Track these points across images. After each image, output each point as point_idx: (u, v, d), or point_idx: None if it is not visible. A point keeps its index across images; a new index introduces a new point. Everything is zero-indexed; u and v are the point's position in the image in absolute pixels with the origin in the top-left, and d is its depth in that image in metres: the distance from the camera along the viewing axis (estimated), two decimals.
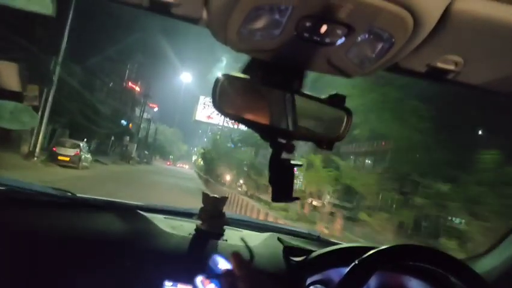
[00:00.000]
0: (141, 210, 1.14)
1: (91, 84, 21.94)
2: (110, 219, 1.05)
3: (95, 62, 21.68)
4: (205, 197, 1.08)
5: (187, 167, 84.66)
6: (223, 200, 1.09)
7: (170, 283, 0.88)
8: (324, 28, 0.52)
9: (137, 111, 43.20)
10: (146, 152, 49.49)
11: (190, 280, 0.88)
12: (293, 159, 0.73)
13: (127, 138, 34.83)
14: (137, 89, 38.85)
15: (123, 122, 33.76)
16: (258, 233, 1.22)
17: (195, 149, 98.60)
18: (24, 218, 0.96)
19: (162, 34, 30.47)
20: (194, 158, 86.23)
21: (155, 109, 62.78)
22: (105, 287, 0.85)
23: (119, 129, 29.75)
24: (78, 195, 1.17)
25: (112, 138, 32.22)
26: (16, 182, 1.11)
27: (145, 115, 48.72)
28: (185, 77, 58.29)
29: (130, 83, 35.83)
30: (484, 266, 1.16)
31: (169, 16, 0.65)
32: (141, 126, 47.05)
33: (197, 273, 0.90)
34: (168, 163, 70.78)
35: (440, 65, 0.64)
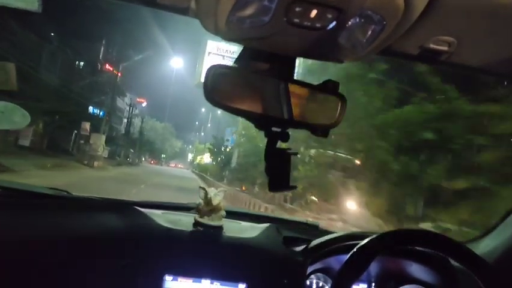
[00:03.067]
0: (139, 206, 1.18)
1: (30, 47, 15.87)
2: (108, 216, 1.08)
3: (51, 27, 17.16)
4: (203, 191, 1.12)
5: (181, 166, 77.25)
6: (220, 193, 1.12)
7: (171, 277, 0.91)
8: (314, 12, 0.53)
9: (120, 101, 36.38)
10: (131, 151, 42.52)
11: (190, 273, 0.93)
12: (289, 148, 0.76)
13: (86, 125, 22.13)
14: (117, 73, 31.25)
15: (92, 108, 25.91)
16: (257, 224, 1.26)
17: (190, 146, 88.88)
18: (21, 218, 0.98)
19: (147, 12, 25.92)
20: (190, 156, 78.39)
21: (144, 104, 56.62)
22: (106, 283, 0.88)
23: (75, 111, 19.95)
24: (74, 194, 1.21)
25: (76, 131, 24.39)
26: (10, 183, 1.14)
27: (129, 109, 43.06)
28: (176, 62, 50.72)
29: (107, 65, 29.27)
30: (484, 247, 1.21)
31: (157, 7, 0.67)
32: (124, 120, 40.12)
33: (196, 267, 0.95)
34: (152, 162, 60.59)
35: (433, 46, 0.66)
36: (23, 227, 0.95)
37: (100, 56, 28.61)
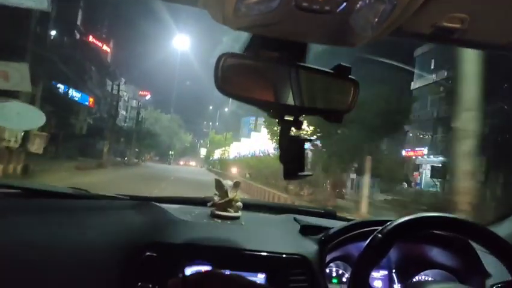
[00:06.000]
0: (156, 201, 1.29)
1: None
2: (126, 212, 1.19)
3: None
4: (218, 183, 1.22)
5: (193, 163, 73.52)
6: (236, 184, 1.22)
7: (191, 269, 1.00)
8: None
9: (110, 84, 31.61)
10: (134, 147, 38.35)
11: (209, 265, 1.01)
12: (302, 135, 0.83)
13: None
14: (106, 48, 28.43)
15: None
16: (274, 215, 1.37)
17: (202, 141, 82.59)
18: (43, 218, 1.09)
19: None
20: (203, 151, 72.24)
21: (148, 97, 52.67)
22: (126, 278, 0.97)
23: None
24: (93, 192, 1.33)
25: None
26: (31, 184, 1.27)
27: (134, 103, 39.17)
28: (181, 42, 45.27)
29: (91, 37, 25.88)
30: (505, 229, 1.27)
31: (165, 0, 0.72)
32: (122, 112, 34.32)
33: (216, 259, 1.02)
34: (147, 158, 53.03)
35: (445, 24, 0.69)
36: (45, 226, 1.05)
37: (79, 22, 23.58)
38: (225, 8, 0.62)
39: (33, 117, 1.20)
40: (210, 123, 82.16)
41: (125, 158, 35.77)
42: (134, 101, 41.23)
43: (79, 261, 0.99)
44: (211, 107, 79.36)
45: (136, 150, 42.16)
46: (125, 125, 39.24)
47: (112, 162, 26.40)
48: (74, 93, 23.52)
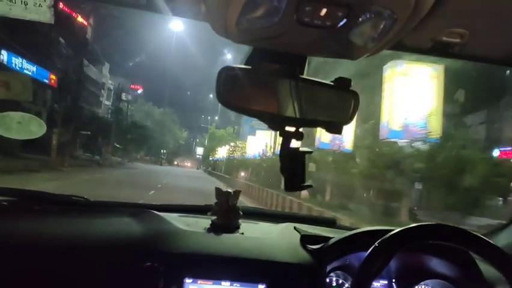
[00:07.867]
0: (155, 210, 1.38)
1: None
2: (125, 220, 1.27)
3: None
4: (218, 191, 1.29)
5: (188, 164, 71.75)
6: (236, 193, 1.30)
7: (190, 280, 1.08)
8: (324, 11, 0.63)
9: (93, 72, 30.40)
10: (117, 144, 34.40)
11: (209, 276, 1.09)
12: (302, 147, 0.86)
13: None
14: (82, 21, 25.80)
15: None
16: (274, 224, 1.45)
17: (198, 140, 79.80)
18: (42, 225, 1.17)
19: None
20: (200, 150, 70.97)
21: (140, 91, 51.53)
22: (126, 287, 1.05)
23: None
24: (91, 199, 1.41)
25: None
26: (29, 191, 1.35)
27: (123, 96, 35.99)
28: (176, 25, 47.24)
29: (61, 4, 22.30)
30: (504, 239, 1.37)
31: (168, 14, 0.79)
32: (106, 102, 31.27)
33: (216, 269, 1.10)
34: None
35: (445, 38, 0.76)
36: (43, 233, 1.12)
37: None
38: (227, 22, 0.68)
39: (34, 127, 1.35)
40: (209, 118, 77.56)
41: (100, 157, 30.48)
42: (124, 93, 37.45)
43: (76, 269, 1.06)
44: (211, 95, 74.59)
45: (118, 146, 37.21)
46: (109, 117, 34.64)
47: (74, 162, 21.34)
48: (25, 65, 18.49)
